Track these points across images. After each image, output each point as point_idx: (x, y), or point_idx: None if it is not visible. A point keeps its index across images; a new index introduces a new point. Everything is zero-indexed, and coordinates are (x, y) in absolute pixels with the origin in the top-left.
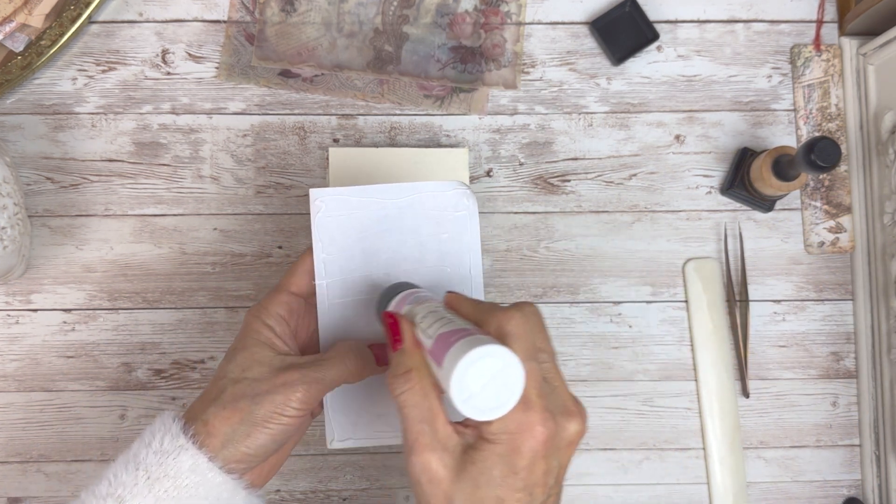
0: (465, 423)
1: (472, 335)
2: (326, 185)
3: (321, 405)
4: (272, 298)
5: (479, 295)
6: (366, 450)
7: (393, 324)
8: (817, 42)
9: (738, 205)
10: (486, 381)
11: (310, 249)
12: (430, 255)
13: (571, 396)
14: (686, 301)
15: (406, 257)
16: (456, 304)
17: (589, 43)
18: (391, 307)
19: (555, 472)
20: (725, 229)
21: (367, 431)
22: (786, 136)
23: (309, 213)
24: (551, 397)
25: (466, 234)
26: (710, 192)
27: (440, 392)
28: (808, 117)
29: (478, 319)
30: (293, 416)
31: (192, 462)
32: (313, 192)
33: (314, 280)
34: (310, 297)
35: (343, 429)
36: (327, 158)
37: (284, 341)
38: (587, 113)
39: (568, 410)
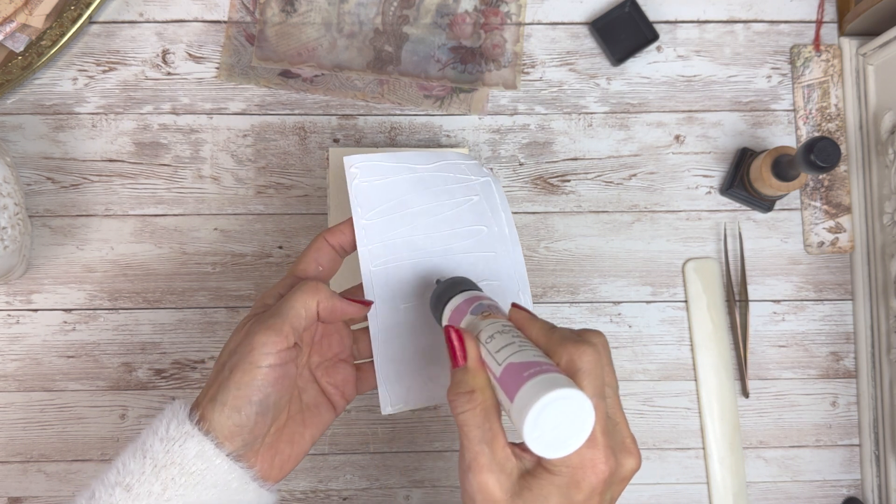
0: (524, 448)
1: (545, 372)
2: (327, 186)
3: (353, 384)
4: (278, 282)
5: (517, 250)
6: (366, 449)
7: (457, 338)
8: (817, 42)
9: (737, 205)
10: (557, 423)
11: (320, 235)
12: (466, 216)
13: (630, 433)
14: (686, 301)
15: (444, 219)
16: (524, 324)
17: (589, 43)
18: (449, 309)
19: None
20: (725, 229)
21: (420, 395)
22: (785, 136)
23: (309, 213)
24: (613, 434)
25: (495, 195)
26: (709, 192)
27: (500, 413)
28: (807, 117)
29: (548, 348)
30: (266, 367)
31: (198, 448)
32: (347, 159)
33: (320, 266)
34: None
35: (397, 394)
36: (327, 158)
37: None
38: (587, 113)
39: (627, 448)
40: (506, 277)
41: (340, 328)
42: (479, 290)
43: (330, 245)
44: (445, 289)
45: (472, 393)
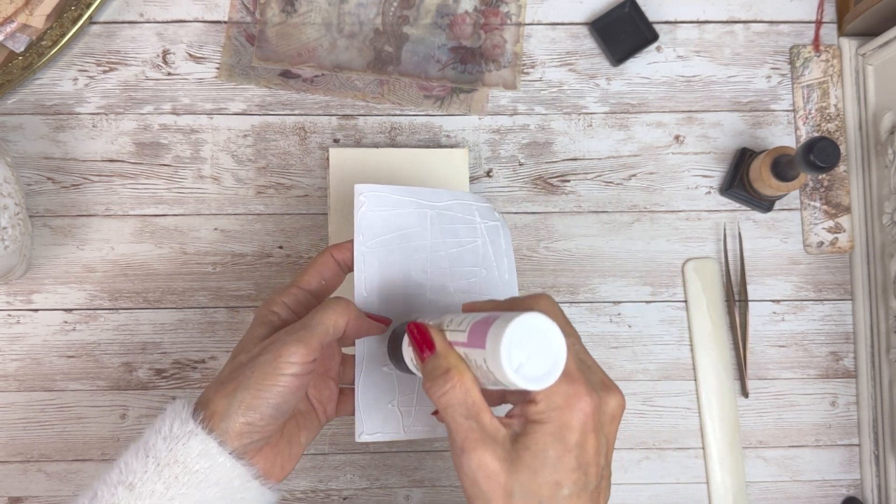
0: (509, 415)
1: (507, 313)
2: (327, 186)
3: (335, 404)
4: (281, 290)
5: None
6: (366, 449)
7: (420, 331)
8: (816, 42)
9: (737, 205)
10: (531, 350)
11: (326, 250)
12: (468, 256)
13: (606, 375)
14: (685, 301)
15: (444, 256)
16: (476, 306)
17: (588, 43)
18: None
19: (604, 451)
20: (725, 229)
21: (397, 427)
22: (785, 136)
23: (309, 213)
24: (588, 374)
25: (501, 240)
26: (709, 193)
27: (479, 388)
28: (807, 118)
29: (504, 309)
30: (290, 374)
31: (201, 447)
32: (358, 187)
33: (323, 280)
34: (320, 296)
35: (373, 423)
36: (328, 159)
37: (287, 324)
38: (587, 113)
39: (606, 385)
40: None
41: (333, 346)
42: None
43: (335, 261)
44: (396, 329)
45: (447, 372)
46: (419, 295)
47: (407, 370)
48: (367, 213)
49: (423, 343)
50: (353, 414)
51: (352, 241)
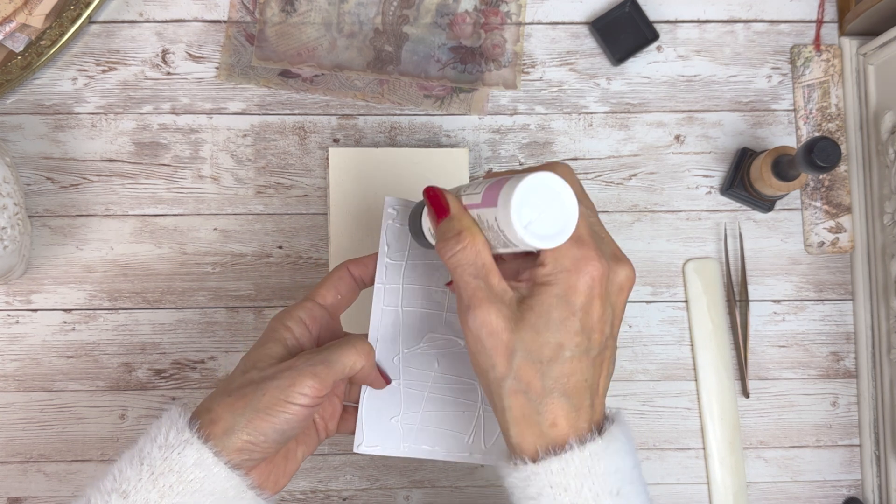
0: (518, 280)
1: (522, 174)
2: (326, 186)
3: (337, 421)
4: (297, 304)
5: None
6: None
7: (436, 195)
8: (817, 42)
9: (737, 205)
10: (542, 209)
11: (343, 264)
12: None
13: (618, 248)
14: (686, 301)
15: None
16: (495, 174)
17: (589, 43)
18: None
19: (609, 320)
20: (725, 229)
21: (397, 443)
22: (786, 136)
23: (308, 213)
24: (600, 243)
25: None
26: (709, 192)
27: (490, 251)
28: (807, 117)
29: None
30: (300, 405)
31: (196, 456)
32: (388, 200)
33: (339, 295)
34: (335, 311)
35: (374, 435)
36: (327, 158)
37: (300, 343)
38: (587, 113)
39: (617, 256)
40: None
41: None
42: None
43: (352, 276)
44: (417, 206)
45: (459, 234)
46: (437, 315)
47: (427, 244)
48: (394, 226)
49: (438, 207)
50: (353, 432)
51: (369, 257)
